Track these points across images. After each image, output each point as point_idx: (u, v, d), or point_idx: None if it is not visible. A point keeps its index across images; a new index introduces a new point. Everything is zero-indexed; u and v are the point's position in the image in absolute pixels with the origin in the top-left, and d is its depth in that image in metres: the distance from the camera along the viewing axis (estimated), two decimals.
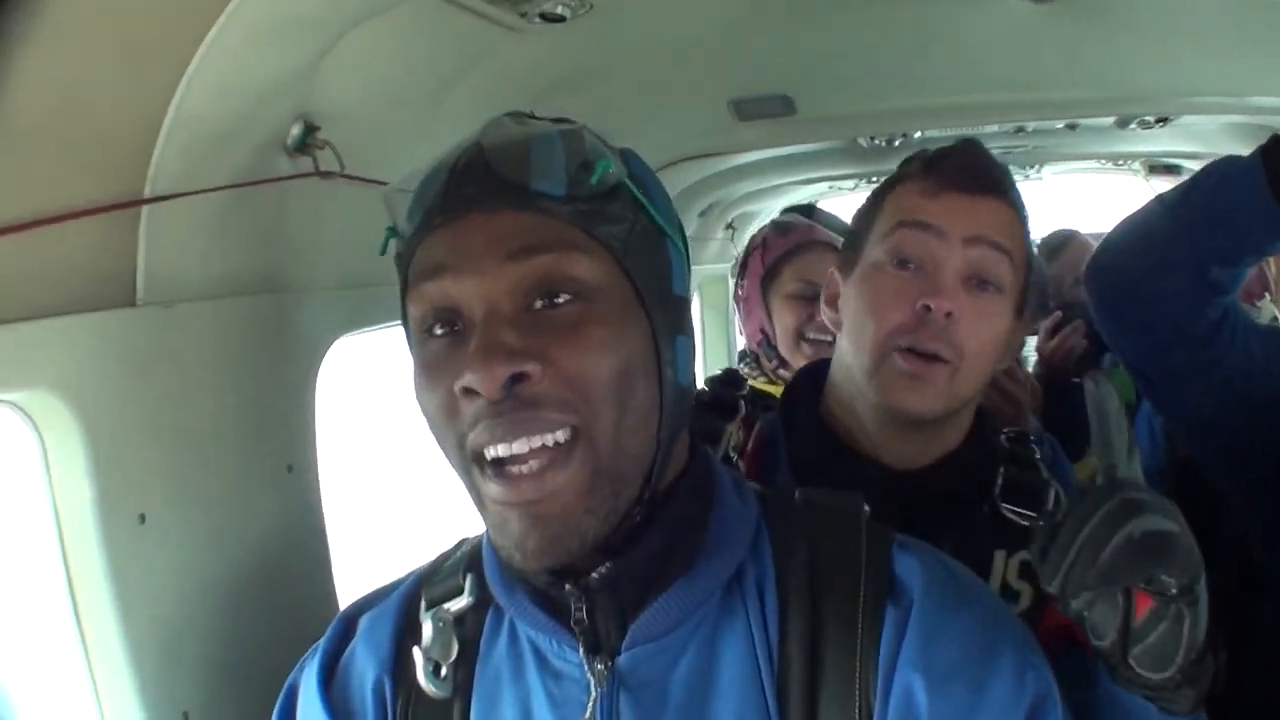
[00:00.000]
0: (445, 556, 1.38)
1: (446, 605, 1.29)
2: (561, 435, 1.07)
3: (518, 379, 1.05)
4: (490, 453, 1.08)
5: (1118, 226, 2.14)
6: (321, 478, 2.17)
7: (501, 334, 1.05)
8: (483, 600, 1.28)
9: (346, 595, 2.08)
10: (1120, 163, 5.56)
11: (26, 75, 1.35)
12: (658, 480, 1.16)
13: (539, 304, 1.08)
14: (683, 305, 1.20)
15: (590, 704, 1.18)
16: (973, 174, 1.64)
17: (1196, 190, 2.02)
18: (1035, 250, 4.93)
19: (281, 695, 1.36)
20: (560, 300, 1.08)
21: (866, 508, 1.28)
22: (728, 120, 3.29)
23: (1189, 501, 2.76)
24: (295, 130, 1.94)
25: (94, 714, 1.67)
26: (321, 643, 1.36)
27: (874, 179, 5.39)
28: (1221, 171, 1.99)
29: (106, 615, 1.63)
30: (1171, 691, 1.25)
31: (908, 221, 1.64)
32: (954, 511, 1.64)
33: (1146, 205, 2.10)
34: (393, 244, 1.19)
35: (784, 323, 2.84)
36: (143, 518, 1.68)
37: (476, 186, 1.09)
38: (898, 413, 1.64)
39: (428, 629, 1.26)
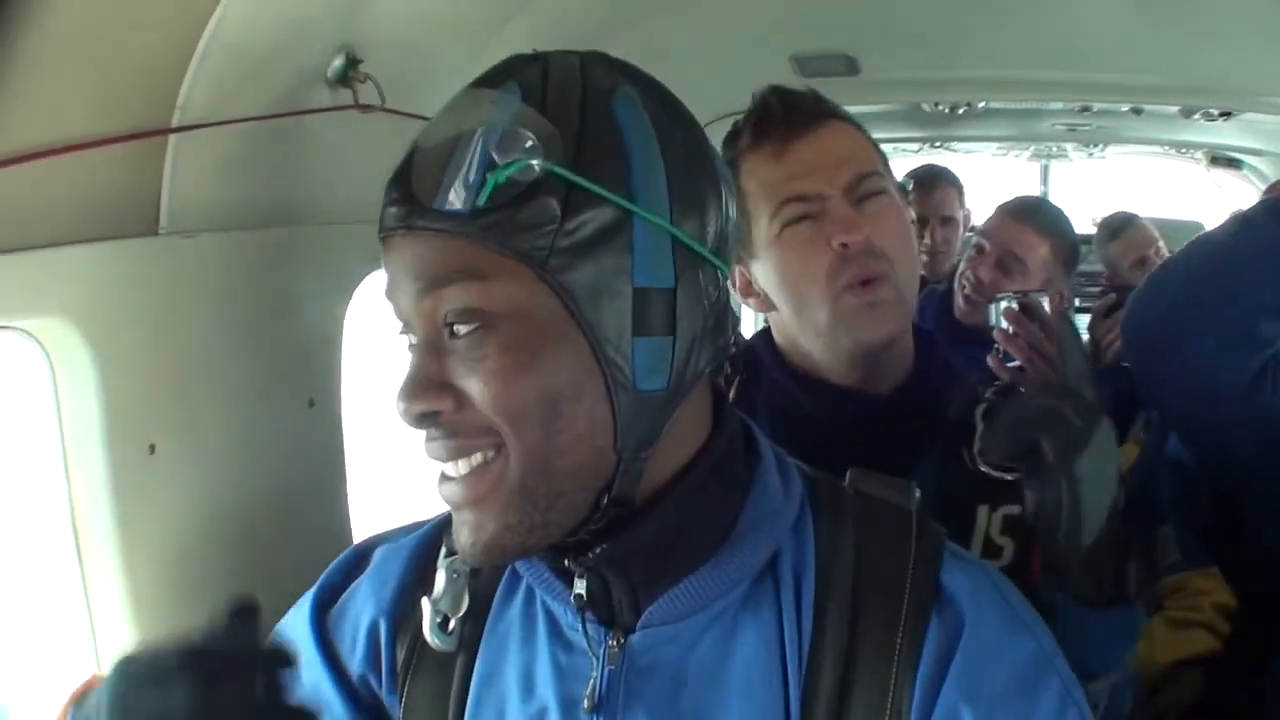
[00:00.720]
0: None
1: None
2: (481, 458, 1.05)
3: (435, 414, 1.04)
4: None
5: (1151, 280, 2.16)
6: (345, 415, 2.13)
7: (425, 364, 1.04)
8: None
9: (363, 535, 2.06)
10: (1183, 151, 5.48)
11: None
12: (626, 485, 1.08)
13: (458, 329, 1.02)
14: (653, 298, 1.05)
15: (593, 679, 1.14)
16: (802, 112, 1.68)
17: (1247, 240, 2.00)
18: (1094, 228, 4.95)
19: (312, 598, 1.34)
20: (462, 331, 1.02)
21: (918, 492, 1.22)
22: (789, 75, 3.19)
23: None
24: (337, 62, 1.89)
25: (89, 649, 1.65)
26: (326, 571, 1.34)
27: (937, 144, 5.38)
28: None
29: (108, 546, 1.61)
30: (1075, 573, 1.44)
31: (784, 200, 1.65)
32: (929, 432, 1.67)
33: (1175, 260, 2.11)
34: None
35: None
36: (153, 448, 1.65)
37: (399, 205, 1.03)
38: (869, 345, 1.66)
39: (440, 579, 1.20)
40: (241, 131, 1.69)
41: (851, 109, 1.75)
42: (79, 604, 1.64)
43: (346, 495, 2.12)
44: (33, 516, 1.64)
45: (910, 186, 4.17)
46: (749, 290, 1.74)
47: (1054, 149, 6.20)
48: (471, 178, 0.98)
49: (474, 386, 1.01)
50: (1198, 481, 2.88)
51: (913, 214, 3.62)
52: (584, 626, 1.14)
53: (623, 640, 1.13)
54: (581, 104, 1.04)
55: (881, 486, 1.22)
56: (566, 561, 1.12)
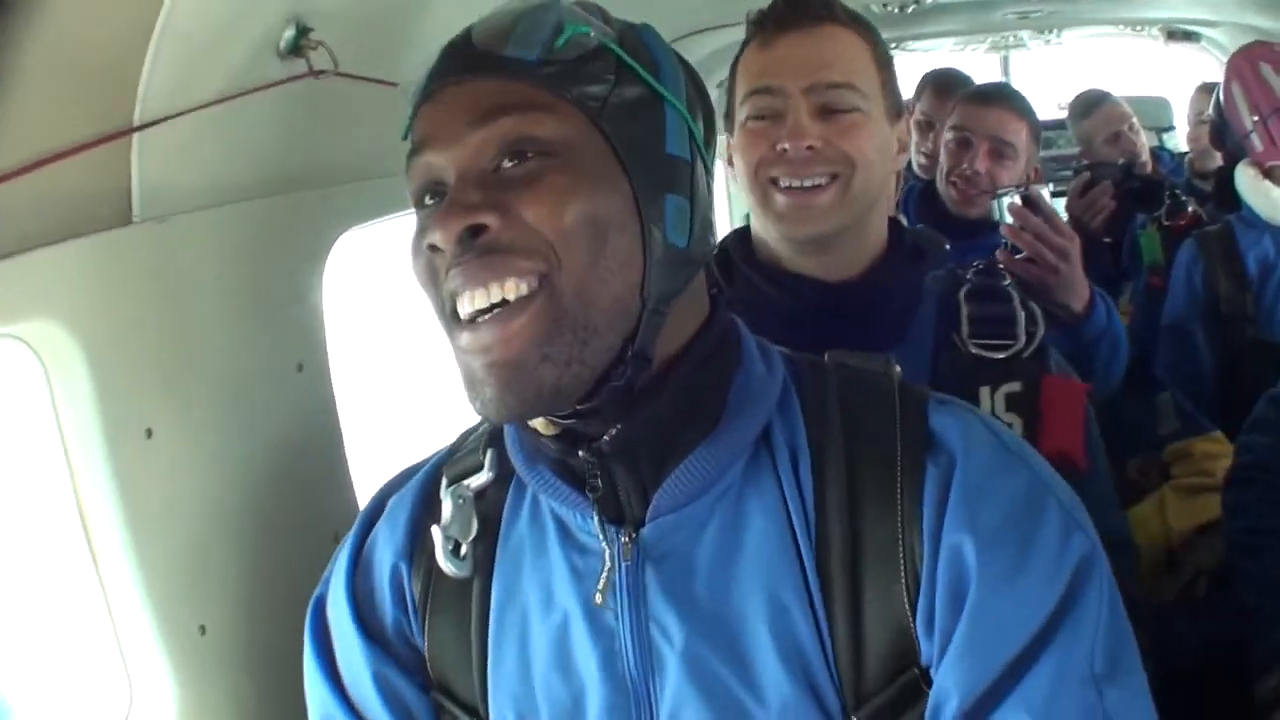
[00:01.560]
0: (468, 433, 1.37)
1: (466, 482, 1.28)
2: (525, 286, 1.08)
3: (477, 231, 1.07)
4: (462, 307, 1.10)
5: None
6: (335, 375, 2.18)
7: (465, 193, 1.08)
8: (504, 475, 1.28)
9: (366, 490, 2.07)
10: (1138, 29, 5.49)
11: (15, 15, 1.35)
12: (647, 336, 1.14)
13: (507, 164, 1.10)
14: (678, 166, 1.17)
15: (604, 574, 1.19)
16: (799, 11, 1.75)
17: None
18: (1060, 113, 4.93)
19: (310, 614, 1.36)
20: (519, 159, 1.10)
21: (898, 368, 1.28)
22: None
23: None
24: (288, 32, 1.89)
25: (109, 634, 1.69)
26: (348, 538, 1.36)
27: (894, 45, 5.36)
28: None
29: (117, 533, 1.65)
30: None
31: (754, 90, 1.75)
32: (897, 317, 1.77)
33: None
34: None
35: None
36: (149, 432, 1.69)
37: (456, 61, 1.13)
38: (798, 240, 1.76)
39: (447, 507, 1.25)
40: (205, 113, 1.71)
41: None
42: (94, 594, 1.68)
43: (344, 454, 2.17)
44: (40, 516, 1.69)
45: (920, 86, 4.20)
46: (730, 160, 1.84)
47: (1011, 38, 6.19)
48: (544, 33, 1.10)
49: (529, 204, 1.08)
50: (1198, 348, 3.02)
51: (917, 116, 3.61)
52: (600, 522, 1.19)
53: (634, 534, 1.18)
54: (618, 25, 1.19)
55: (860, 360, 1.28)
56: (581, 453, 1.16)
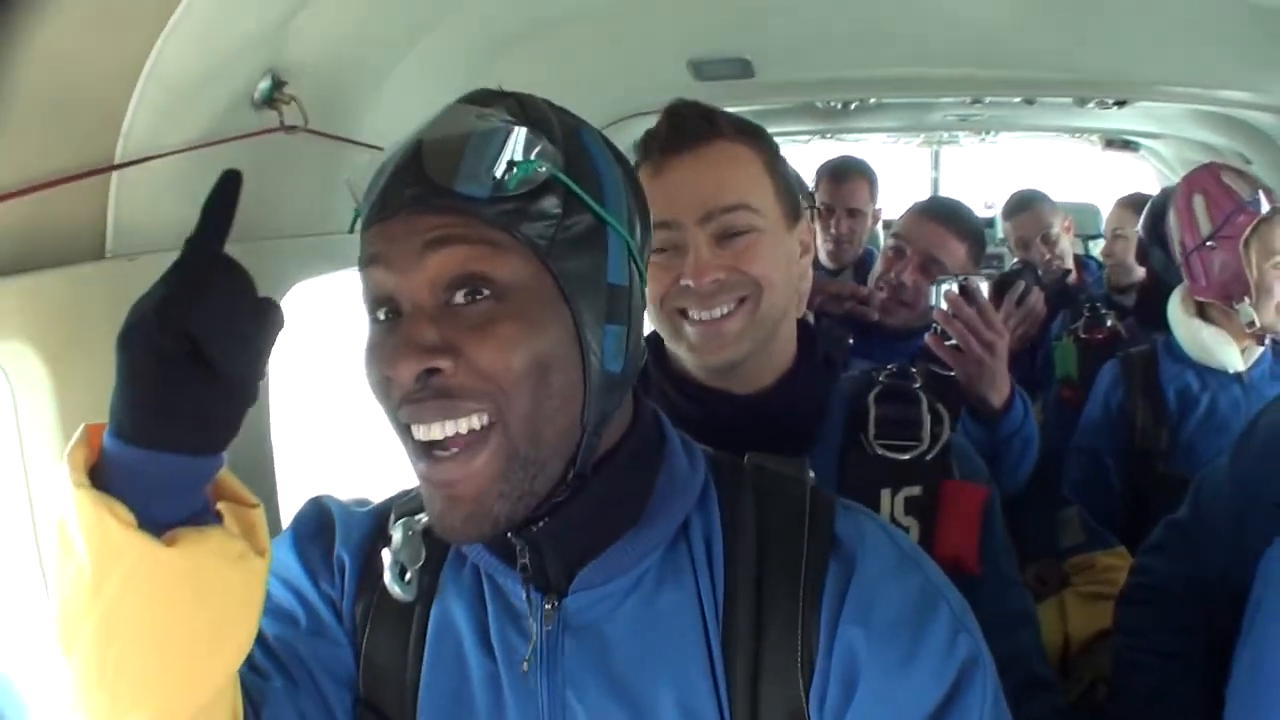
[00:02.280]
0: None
1: (418, 517, 1.33)
2: (477, 421, 1.14)
3: (432, 372, 1.13)
4: (417, 433, 1.16)
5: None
6: (272, 411, 2.24)
7: (419, 330, 1.13)
8: None
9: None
10: (1077, 135, 5.60)
11: (9, 46, 1.40)
12: (585, 459, 1.21)
13: (458, 299, 1.14)
14: (617, 294, 1.22)
15: (533, 639, 1.27)
16: (683, 132, 1.72)
17: None
18: (986, 211, 4.98)
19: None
20: (476, 297, 1.14)
21: (812, 474, 1.34)
22: (686, 79, 3.30)
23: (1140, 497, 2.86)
24: (263, 84, 1.97)
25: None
26: (293, 519, 1.45)
27: (829, 135, 5.46)
28: None
29: None
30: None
31: (655, 224, 1.62)
32: (810, 424, 1.79)
33: None
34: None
35: None
36: None
37: (409, 188, 1.15)
38: (710, 367, 1.75)
39: (397, 534, 1.31)
40: (180, 158, 1.77)
41: (747, 109, 1.81)
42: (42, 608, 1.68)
43: (274, 473, 2.24)
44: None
45: (818, 176, 4.27)
46: None
47: (945, 136, 6.27)
48: (494, 168, 1.12)
49: (480, 349, 1.12)
50: (1108, 473, 3.07)
51: (817, 204, 3.67)
52: (527, 594, 1.27)
53: (557, 604, 1.26)
54: (561, 132, 1.20)
55: (777, 463, 1.36)
56: (510, 535, 1.23)
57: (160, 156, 1.72)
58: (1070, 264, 4.41)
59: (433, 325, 1.13)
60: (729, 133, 1.75)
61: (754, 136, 1.78)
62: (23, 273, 1.55)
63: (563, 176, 1.17)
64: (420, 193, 1.14)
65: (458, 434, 1.14)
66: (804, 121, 4.96)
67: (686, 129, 1.74)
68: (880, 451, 1.75)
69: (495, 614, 1.31)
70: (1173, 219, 3.10)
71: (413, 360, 1.12)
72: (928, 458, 1.76)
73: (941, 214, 3.18)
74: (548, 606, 1.26)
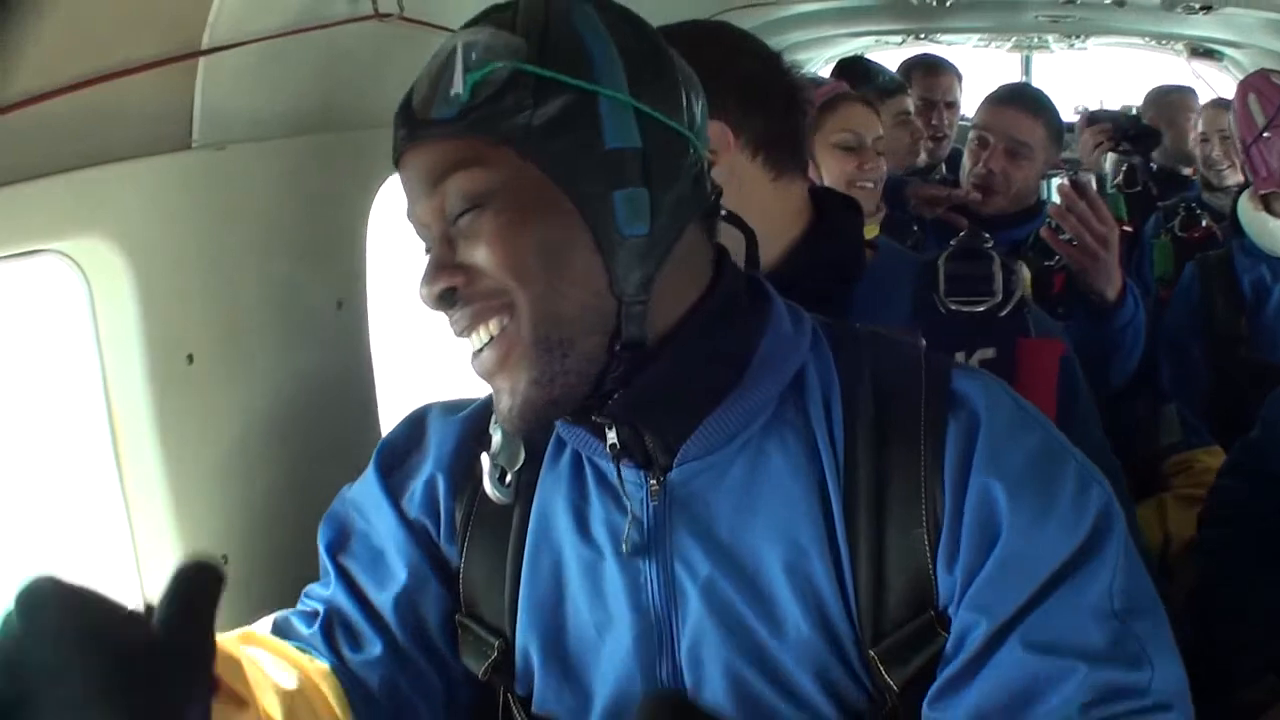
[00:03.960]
0: None
1: None
2: (496, 324, 1.14)
3: (451, 289, 1.14)
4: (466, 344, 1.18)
5: None
6: (371, 315, 2.12)
7: (440, 253, 1.15)
8: None
9: None
10: (1163, 43, 5.45)
11: None
12: (631, 333, 1.15)
13: (460, 219, 1.14)
14: (623, 157, 1.15)
15: (636, 517, 1.23)
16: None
17: None
18: (1075, 117, 4.89)
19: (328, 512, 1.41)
20: (464, 214, 1.13)
21: (924, 341, 1.30)
22: None
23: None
24: None
25: (130, 561, 1.63)
26: (386, 436, 1.42)
27: (921, 36, 5.30)
28: None
29: (149, 458, 1.58)
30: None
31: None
32: (834, 291, 1.68)
33: None
34: None
35: (832, 171, 2.78)
36: (190, 358, 1.63)
37: (401, 129, 1.17)
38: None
39: (497, 436, 1.27)
40: (269, 44, 1.64)
41: (840, 2, 1.73)
42: (117, 516, 1.62)
43: (375, 395, 2.10)
44: (69, 441, 1.63)
45: (905, 72, 4.16)
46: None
47: (1036, 40, 6.08)
48: (455, 86, 1.11)
49: (479, 256, 1.12)
50: (1198, 363, 3.03)
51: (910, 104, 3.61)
52: (618, 473, 1.22)
53: (661, 479, 1.22)
54: (544, 22, 1.14)
55: (889, 330, 1.32)
56: (594, 416, 1.19)
57: (249, 43, 1.59)
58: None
59: (449, 248, 1.15)
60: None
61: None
62: (103, 163, 1.44)
63: (527, 66, 1.12)
64: (408, 131, 1.16)
65: (490, 336, 1.14)
66: (896, 20, 4.85)
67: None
68: (953, 308, 1.69)
69: (597, 499, 1.27)
70: (1232, 121, 3.14)
71: (429, 284, 1.15)
72: (1001, 314, 1.69)
73: (1016, 98, 3.18)
74: (653, 483, 1.22)
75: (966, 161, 3.19)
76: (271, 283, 1.82)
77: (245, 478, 1.75)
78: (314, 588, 1.37)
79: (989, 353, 1.65)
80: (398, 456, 1.38)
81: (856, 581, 1.18)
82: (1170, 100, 4.49)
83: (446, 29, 1.96)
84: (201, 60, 1.55)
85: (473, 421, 1.37)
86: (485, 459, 1.27)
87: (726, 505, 1.21)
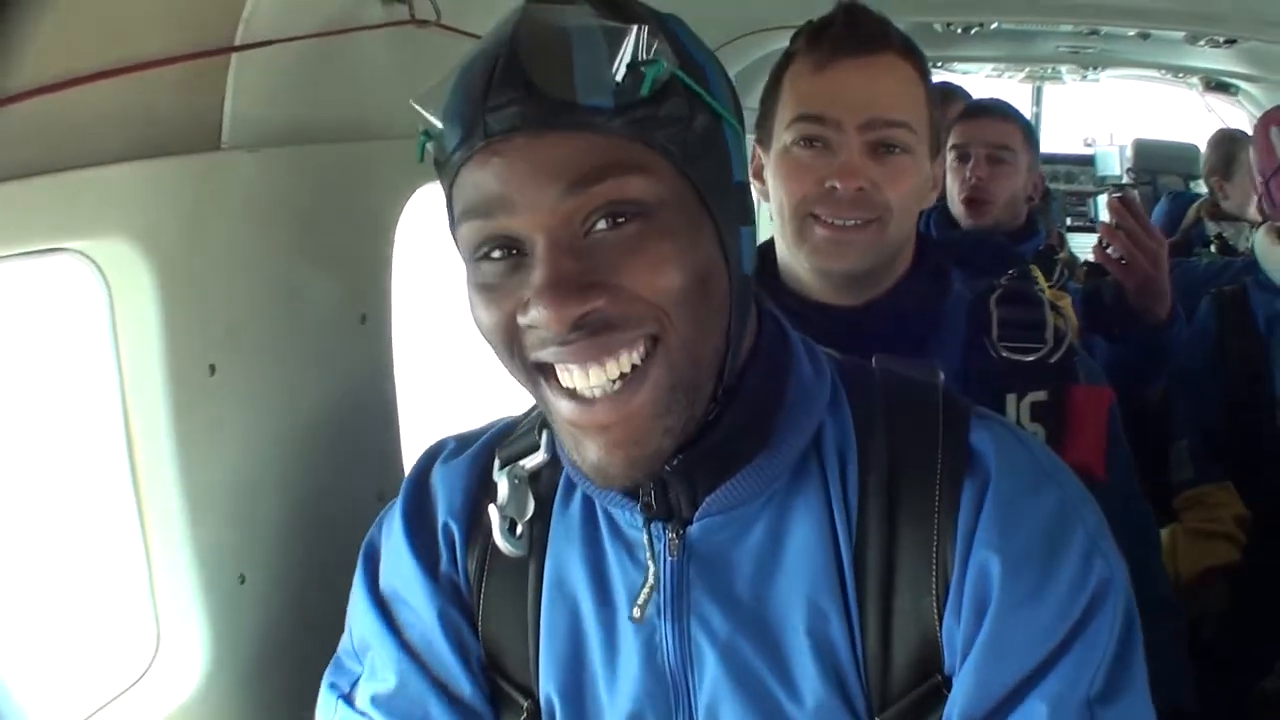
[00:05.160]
0: (525, 414, 1.28)
1: (522, 462, 1.20)
2: (636, 356, 0.99)
3: (588, 312, 0.97)
4: (564, 379, 1.01)
5: None
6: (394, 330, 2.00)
7: (565, 266, 0.96)
8: (557, 457, 1.19)
9: (412, 452, 1.92)
10: (1179, 75, 5.33)
11: None
12: (731, 372, 1.07)
13: (600, 226, 0.97)
14: (744, 192, 1.09)
15: (655, 572, 1.13)
16: (858, 37, 1.59)
17: None
18: (1085, 148, 4.83)
19: (361, 556, 1.28)
20: (619, 220, 0.97)
21: (942, 375, 1.23)
22: None
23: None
24: None
25: (142, 576, 1.52)
26: (399, 498, 1.27)
27: (938, 64, 5.22)
28: None
29: (166, 472, 1.48)
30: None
31: (805, 115, 1.59)
32: (917, 336, 1.63)
33: None
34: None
35: None
36: (212, 368, 1.52)
37: (518, 105, 0.94)
38: (830, 274, 1.65)
39: (503, 486, 1.18)
40: (303, 47, 1.54)
41: None
42: (131, 532, 1.52)
43: (397, 413, 1.99)
44: (80, 448, 1.52)
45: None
46: (759, 174, 1.71)
47: (1049, 70, 5.99)
48: (615, 72, 0.94)
49: (635, 275, 0.97)
50: (1212, 399, 2.92)
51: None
52: (647, 527, 1.13)
53: (681, 532, 1.12)
54: (666, 29, 1.02)
55: (906, 367, 1.23)
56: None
57: (282, 41, 1.48)
58: None
59: (574, 259, 0.96)
60: (901, 48, 1.62)
61: (920, 59, 1.65)
62: (127, 160, 1.34)
63: (682, 74, 0.99)
64: (533, 110, 0.94)
65: (620, 374, 0.99)
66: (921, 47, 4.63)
67: (862, 31, 1.60)
68: (1005, 354, 1.65)
69: (613, 552, 1.17)
70: (1252, 154, 3.01)
71: (573, 304, 0.95)
72: (1052, 360, 1.65)
73: (988, 108, 3.14)
74: (671, 536, 1.12)
75: (950, 183, 3.06)
76: (296, 294, 1.72)
77: (264, 495, 1.65)
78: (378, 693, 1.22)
79: (1040, 395, 1.61)
80: (413, 519, 1.26)
81: (865, 647, 1.11)
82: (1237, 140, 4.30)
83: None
84: (233, 61, 1.46)
85: (477, 468, 1.25)
86: (494, 511, 1.18)
87: (749, 564, 1.13)
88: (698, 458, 1.08)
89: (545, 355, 0.99)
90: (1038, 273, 1.98)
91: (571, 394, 1.00)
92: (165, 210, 1.42)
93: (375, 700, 1.20)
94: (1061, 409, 1.61)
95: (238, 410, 1.59)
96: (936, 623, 1.10)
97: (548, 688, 1.19)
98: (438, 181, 2.09)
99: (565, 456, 1.12)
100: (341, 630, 1.28)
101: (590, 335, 0.96)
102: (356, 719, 1.21)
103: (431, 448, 1.31)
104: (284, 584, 1.66)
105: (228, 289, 1.56)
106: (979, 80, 6.13)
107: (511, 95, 0.93)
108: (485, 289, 1.00)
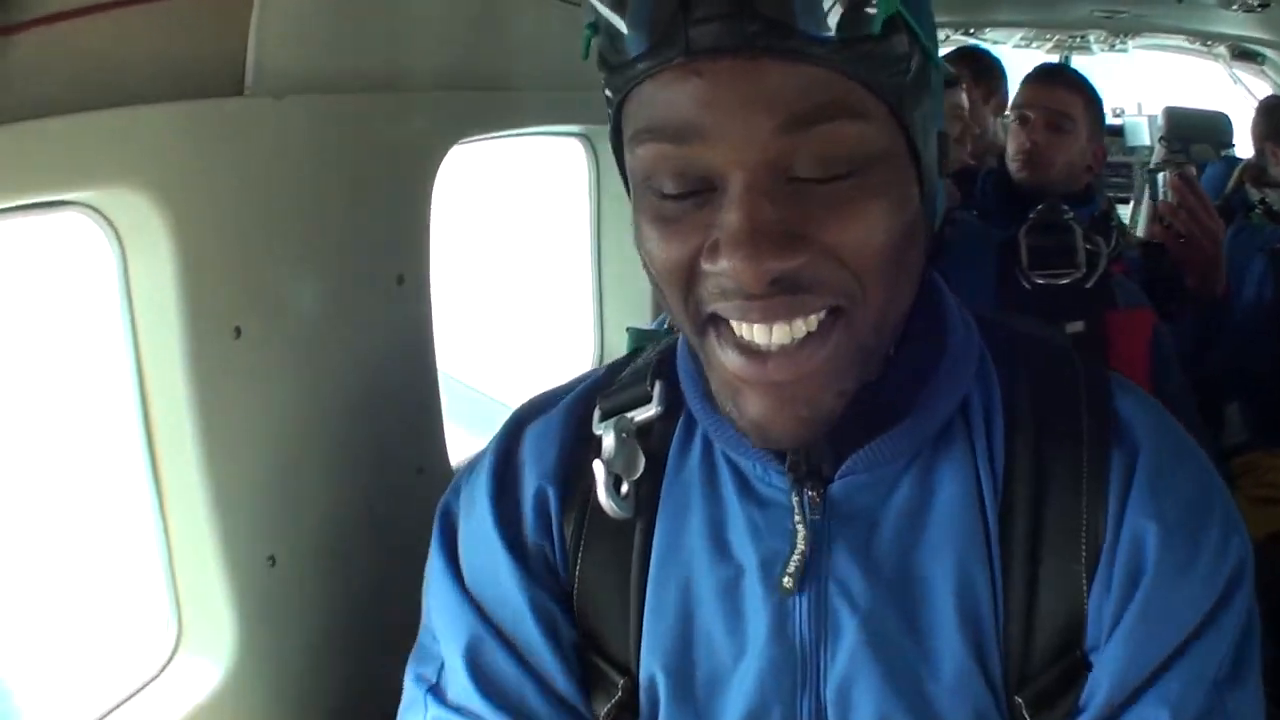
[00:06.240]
0: (619, 365, 1.17)
1: (630, 415, 1.08)
2: (817, 319, 0.88)
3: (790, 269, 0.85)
4: (742, 332, 0.89)
5: None
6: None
7: (766, 212, 0.83)
8: (672, 410, 1.08)
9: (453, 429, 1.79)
10: (1207, 44, 5.27)
11: None
12: (899, 334, 0.99)
13: (807, 174, 0.84)
14: (945, 144, 0.97)
15: (797, 533, 1.01)
16: None
17: None
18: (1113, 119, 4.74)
19: (436, 527, 1.15)
20: (834, 174, 0.84)
21: (1067, 330, 1.21)
22: None
23: None
24: None
25: (161, 562, 1.36)
26: (485, 465, 1.13)
27: (969, 30, 5.22)
28: None
29: (187, 445, 1.31)
30: None
31: None
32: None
33: None
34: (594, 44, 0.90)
35: None
36: (238, 331, 1.35)
37: (731, 21, 0.80)
38: None
39: (609, 440, 1.05)
40: None
41: None
42: (145, 513, 1.36)
43: (437, 382, 1.82)
44: (92, 423, 1.36)
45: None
46: None
47: (1078, 40, 5.81)
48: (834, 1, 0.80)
49: (840, 235, 0.85)
50: (1269, 360, 2.84)
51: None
52: (790, 483, 1.01)
53: (822, 491, 1.01)
54: None
55: (1035, 326, 1.16)
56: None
57: None
58: None
59: (775, 206, 0.83)
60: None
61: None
62: (140, 103, 1.16)
63: (905, 11, 0.85)
64: (749, 30, 0.80)
65: (805, 334, 0.88)
66: (946, 12, 4.59)
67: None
68: (1039, 280, 1.60)
69: (742, 514, 1.04)
70: None
71: (771, 258, 0.83)
72: (1087, 285, 1.60)
73: (1055, 74, 3.04)
74: (812, 494, 1.01)
75: (1009, 144, 2.98)
76: (327, 252, 1.55)
77: (295, 469, 1.47)
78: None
79: (1078, 326, 1.58)
80: (498, 483, 1.12)
81: (1008, 617, 1.01)
82: None
83: None
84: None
85: (574, 422, 1.12)
86: (599, 467, 1.04)
87: (892, 526, 1.02)
88: (852, 416, 0.95)
89: (725, 309, 0.88)
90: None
91: (744, 347, 0.89)
92: (183, 159, 1.25)
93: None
94: (1102, 337, 1.56)
95: (265, 377, 1.42)
96: (1084, 592, 1.01)
97: (651, 664, 1.06)
98: (471, 139, 1.97)
99: (704, 409, 1.02)
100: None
101: (780, 293, 0.85)
102: (451, 718, 1.08)
103: (519, 408, 1.18)
104: (317, 566, 1.49)
105: (253, 246, 1.39)
106: (1006, 51, 5.97)
107: (722, 8, 0.80)
108: (663, 222, 0.88)
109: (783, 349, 0.88)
